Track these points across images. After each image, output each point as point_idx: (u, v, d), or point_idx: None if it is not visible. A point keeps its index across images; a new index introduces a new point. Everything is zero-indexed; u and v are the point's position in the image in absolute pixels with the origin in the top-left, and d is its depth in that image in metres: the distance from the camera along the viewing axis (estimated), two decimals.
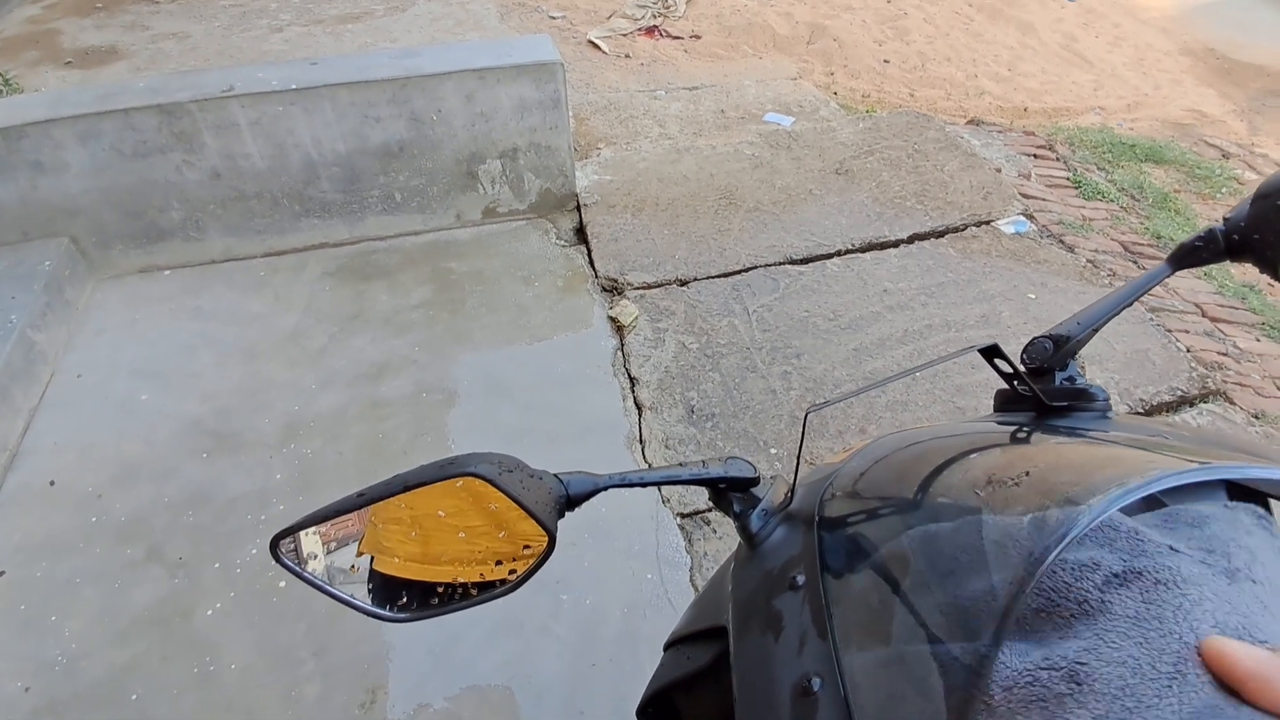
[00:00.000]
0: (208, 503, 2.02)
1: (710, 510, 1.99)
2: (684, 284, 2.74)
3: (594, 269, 2.83)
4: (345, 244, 2.93)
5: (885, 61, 4.80)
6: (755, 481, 0.63)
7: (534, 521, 0.53)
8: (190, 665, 1.69)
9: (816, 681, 0.46)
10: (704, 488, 0.64)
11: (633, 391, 2.34)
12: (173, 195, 2.66)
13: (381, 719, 1.58)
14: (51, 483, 2.10)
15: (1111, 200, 3.35)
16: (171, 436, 2.20)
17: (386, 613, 0.54)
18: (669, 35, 4.88)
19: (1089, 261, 2.82)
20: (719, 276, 2.76)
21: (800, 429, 0.58)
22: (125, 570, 1.88)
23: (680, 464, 0.62)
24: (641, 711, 0.75)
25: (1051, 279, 2.73)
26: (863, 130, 3.57)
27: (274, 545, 0.53)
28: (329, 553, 0.54)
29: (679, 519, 1.96)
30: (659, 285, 2.73)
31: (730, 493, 0.63)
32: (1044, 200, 3.27)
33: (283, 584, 1.83)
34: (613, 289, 2.75)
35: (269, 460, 2.13)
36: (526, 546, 0.55)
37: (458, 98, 2.70)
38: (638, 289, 2.72)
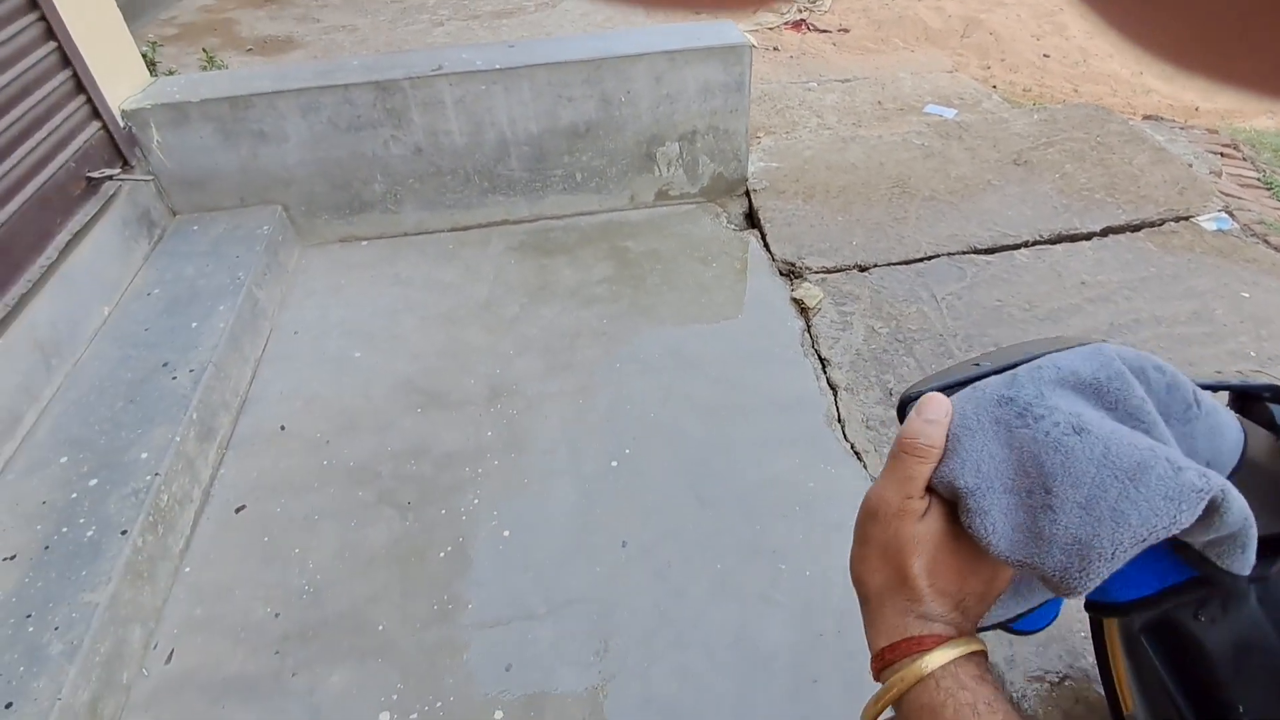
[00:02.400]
0: (427, 454, 2.13)
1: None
2: (864, 269, 2.71)
3: (770, 252, 2.83)
4: (525, 221, 3.04)
5: (1045, 56, 4.62)
6: None
7: None
8: (430, 602, 1.77)
9: None
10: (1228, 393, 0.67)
11: (825, 372, 2.33)
12: (377, 169, 2.82)
13: (618, 667, 1.62)
14: (282, 428, 2.25)
15: None
16: (386, 392, 2.33)
17: None
18: (816, 29, 4.85)
19: None
20: (900, 264, 2.72)
21: None
22: (359, 510, 1.99)
23: (1218, 371, 0.64)
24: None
25: (1263, 278, 2.56)
26: (1037, 122, 3.45)
27: (901, 406, 0.56)
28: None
29: None
30: (839, 270, 2.71)
31: (1272, 403, 0.65)
32: (1240, 199, 3.08)
33: (506, 534, 1.91)
34: (790, 273, 2.75)
35: (479, 418, 2.22)
36: None
37: (647, 79, 2.76)
38: (817, 273, 2.70)
